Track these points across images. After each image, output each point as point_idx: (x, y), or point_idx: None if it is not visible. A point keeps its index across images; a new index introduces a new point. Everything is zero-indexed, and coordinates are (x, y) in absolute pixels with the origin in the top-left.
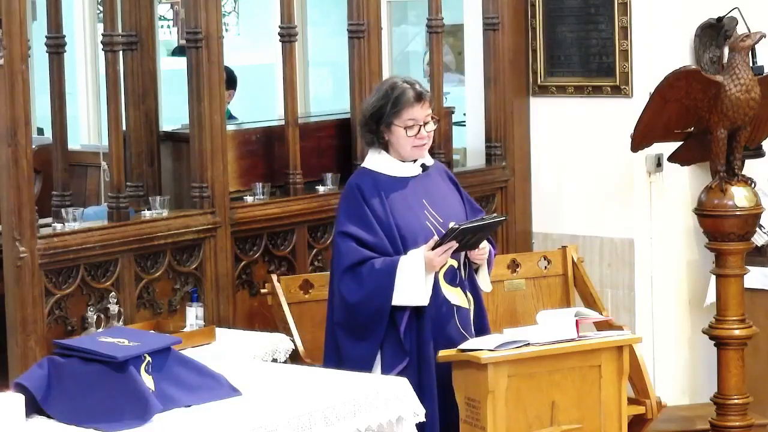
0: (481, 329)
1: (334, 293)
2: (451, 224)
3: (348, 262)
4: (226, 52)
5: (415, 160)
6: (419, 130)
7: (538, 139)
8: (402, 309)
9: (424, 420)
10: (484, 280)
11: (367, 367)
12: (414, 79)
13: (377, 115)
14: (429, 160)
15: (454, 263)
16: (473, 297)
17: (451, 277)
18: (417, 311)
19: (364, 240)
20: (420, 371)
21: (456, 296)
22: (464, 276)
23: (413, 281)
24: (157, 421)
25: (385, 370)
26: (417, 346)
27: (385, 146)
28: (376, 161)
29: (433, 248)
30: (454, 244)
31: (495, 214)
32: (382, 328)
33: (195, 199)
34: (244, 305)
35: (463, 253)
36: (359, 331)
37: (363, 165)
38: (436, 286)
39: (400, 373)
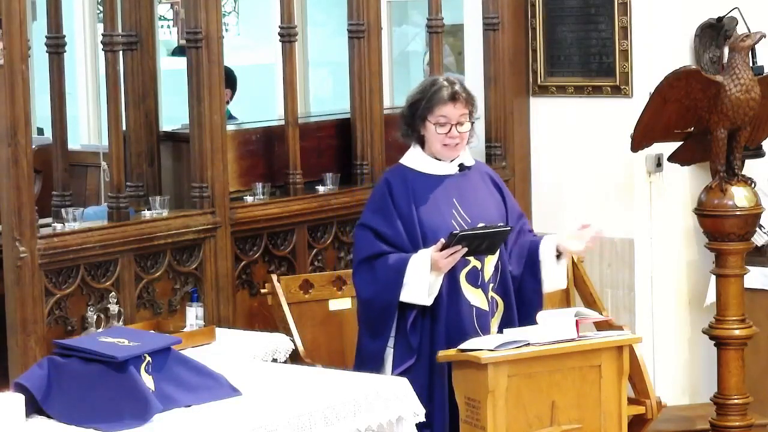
0: None
1: None
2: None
3: (364, 254)
4: (226, 52)
5: (452, 160)
6: (450, 129)
7: (538, 139)
8: (411, 307)
9: (424, 420)
10: (552, 274)
11: (378, 363)
12: (458, 78)
13: (414, 108)
14: (469, 161)
15: (477, 264)
16: (502, 299)
17: (473, 278)
18: (432, 310)
19: (383, 233)
20: (431, 370)
21: (476, 297)
22: (487, 278)
23: (418, 280)
24: (157, 421)
25: (395, 367)
26: (429, 345)
27: (421, 141)
28: (411, 158)
29: (441, 250)
30: (460, 248)
31: (501, 224)
32: (391, 324)
33: (195, 199)
34: (244, 305)
35: (493, 256)
36: (372, 326)
37: (400, 161)
38: (456, 286)
39: (408, 370)
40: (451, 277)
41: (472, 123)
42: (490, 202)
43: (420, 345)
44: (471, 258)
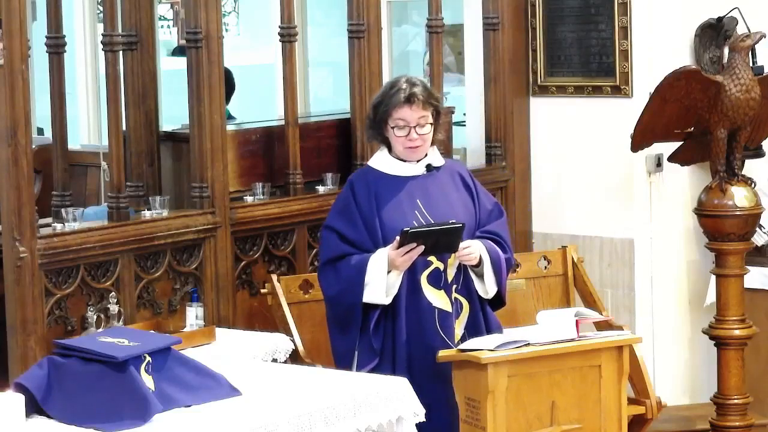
0: (475, 333)
1: None
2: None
3: (327, 256)
4: (226, 52)
5: (418, 160)
6: (409, 131)
7: (538, 139)
8: (374, 307)
9: (424, 420)
10: (479, 285)
11: (347, 361)
12: (419, 80)
13: (376, 110)
14: (438, 161)
15: (440, 265)
16: (467, 301)
17: (435, 279)
18: (393, 312)
19: (346, 235)
20: (394, 372)
21: (438, 299)
22: (450, 279)
23: (376, 279)
24: (157, 421)
25: (359, 367)
26: (391, 347)
27: (388, 144)
28: (378, 159)
29: (398, 249)
30: (414, 246)
31: (452, 221)
32: (357, 324)
33: (195, 199)
34: (244, 305)
35: (454, 256)
36: (339, 324)
37: (368, 162)
38: (416, 288)
39: (372, 372)
40: (412, 278)
41: (437, 123)
42: (457, 201)
43: (383, 346)
44: (433, 259)
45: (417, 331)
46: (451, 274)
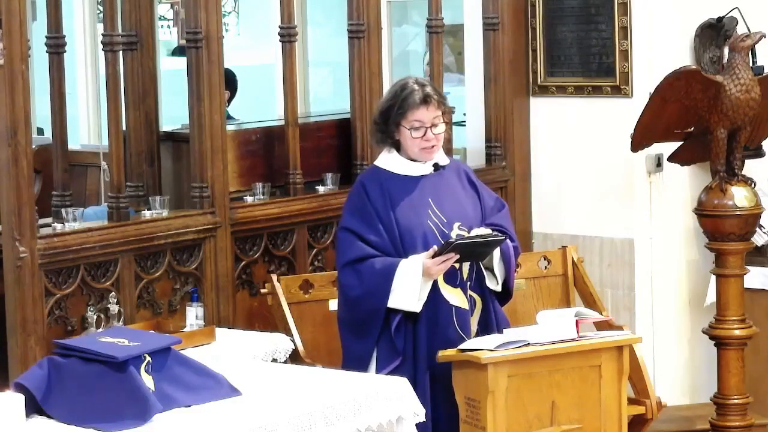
0: (486, 329)
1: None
2: (459, 232)
3: (349, 258)
4: (226, 52)
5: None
6: (425, 132)
7: (538, 139)
8: (395, 310)
9: (424, 420)
10: (489, 279)
11: (364, 364)
12: (426, 80)
13: (386, 114)
14: (444, 160)
15: (456, 264)
16: (480, 297)
17: (452, 277)
18: (412, 312)
19: (366, 237)
20: (415, 371)
21: (455, 297)
22: (465, 277)
23: (408, 287)
24: (157, 421)
25: (379, 368)
26: (412, 346)
27: (397, 145)
28: (386, 160)
29: (433, 257)
30: (452, 256)
31: (495, 233)
32: (378, 327)
33: (195, 199)
34: (244, 305)
35: None
36: (357, 327)
37: (374, 163)
38: (434, 287)
39: (393, 372)
40: None
41: (447, 123)
42: (466, 200)
43: (404, 347)
44: None
45: (436, 329)
46: (465, 271)
